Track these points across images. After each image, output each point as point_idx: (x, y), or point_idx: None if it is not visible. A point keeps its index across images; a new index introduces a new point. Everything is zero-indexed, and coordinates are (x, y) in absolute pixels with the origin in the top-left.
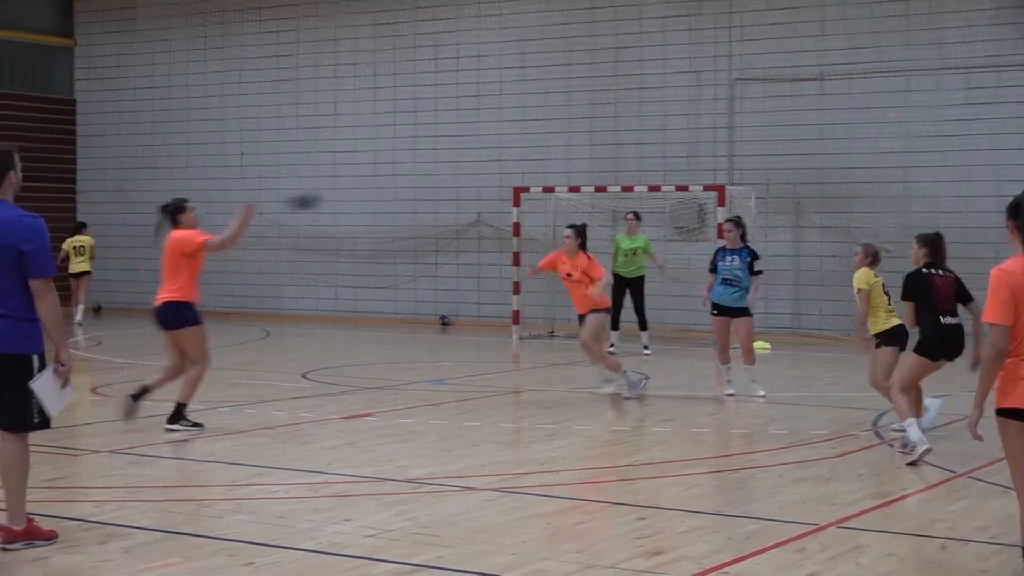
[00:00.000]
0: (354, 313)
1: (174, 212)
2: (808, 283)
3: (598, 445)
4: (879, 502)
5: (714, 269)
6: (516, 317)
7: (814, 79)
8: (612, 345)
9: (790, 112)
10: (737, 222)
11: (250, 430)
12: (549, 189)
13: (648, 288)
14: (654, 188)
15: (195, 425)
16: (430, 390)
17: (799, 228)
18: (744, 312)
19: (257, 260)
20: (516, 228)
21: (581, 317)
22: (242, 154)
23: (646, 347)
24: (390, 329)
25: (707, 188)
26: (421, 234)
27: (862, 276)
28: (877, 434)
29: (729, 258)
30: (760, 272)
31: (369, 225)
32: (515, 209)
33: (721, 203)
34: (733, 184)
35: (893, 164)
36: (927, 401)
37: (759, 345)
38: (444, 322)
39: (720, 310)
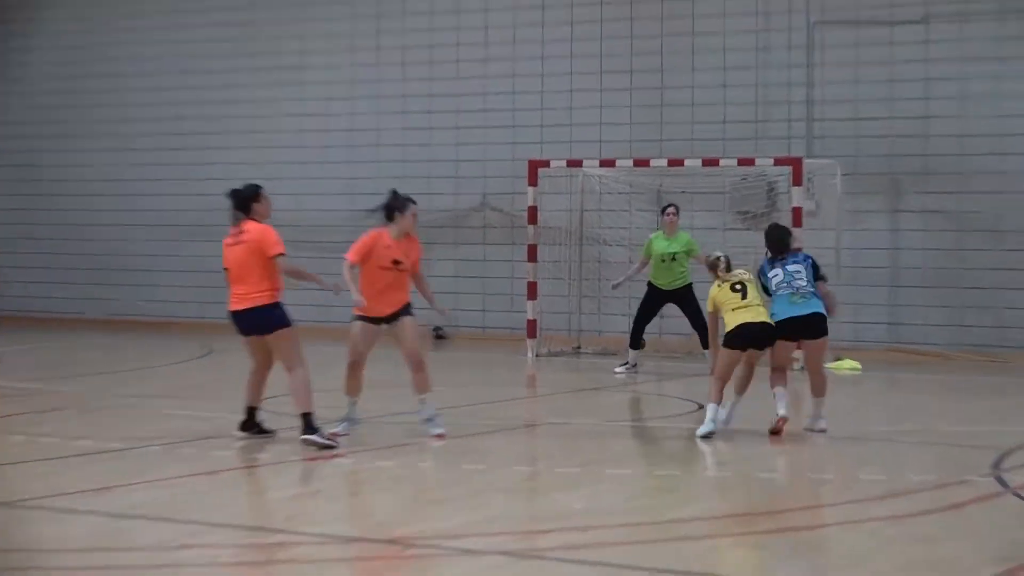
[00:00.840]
0: (326, 323)
1: (247, 199)
2: (908, 284)
3: (637, 495)
4: (1001, 569)
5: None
6: (532, 328)
7: (917, 22)
8: (630, 365)
9: (886, 65)
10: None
11: (187, 475)
12: (575, 163)
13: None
14: (710, 162)
15: (264, 431)
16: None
17: (897, 213)
18: None
19: (197, 255)
20: (532, 213)
21: (393, 318)
22: (179, 118)
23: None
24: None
25: (779, 162)
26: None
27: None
28: (1000, 480)
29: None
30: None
31: (344, 211)
32: (531, 189)
33: (797, 181)
34: (812, 156)
35: (1019, 130)
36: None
37: (848, 364)
38: (439, 335)
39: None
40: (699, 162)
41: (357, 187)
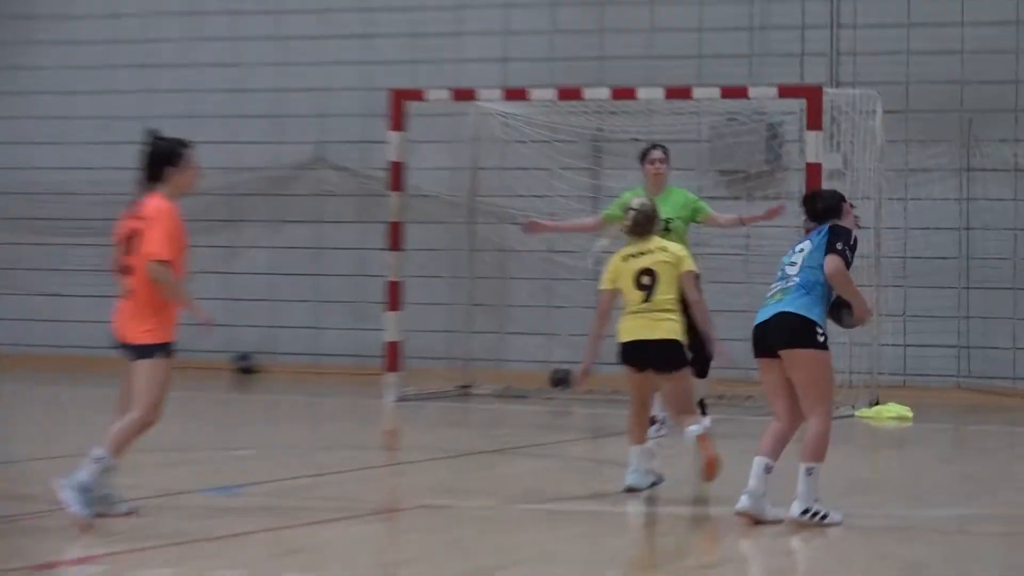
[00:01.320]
0: (49, 347)
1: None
2: (989, 283)
3: None
4: None
5: None
6: (393, 357)
7: None
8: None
9: None
10: None
11: None
12: (465, 95)
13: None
14: (678, 93)
15: None
16: (214, 507)
17: (972, 173)
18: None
19: None
20: (396, 174)
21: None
22: None
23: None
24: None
25: (785, 92)
26: (203, 188)
27: None
28: None
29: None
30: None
31: (88, 169)
32: (395, 136)
33: (814, 122)
34: (839, 85)
35: None
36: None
37: (894, 411)
38: (244, 367)
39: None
40: (661, 93)
41: (110, 132)
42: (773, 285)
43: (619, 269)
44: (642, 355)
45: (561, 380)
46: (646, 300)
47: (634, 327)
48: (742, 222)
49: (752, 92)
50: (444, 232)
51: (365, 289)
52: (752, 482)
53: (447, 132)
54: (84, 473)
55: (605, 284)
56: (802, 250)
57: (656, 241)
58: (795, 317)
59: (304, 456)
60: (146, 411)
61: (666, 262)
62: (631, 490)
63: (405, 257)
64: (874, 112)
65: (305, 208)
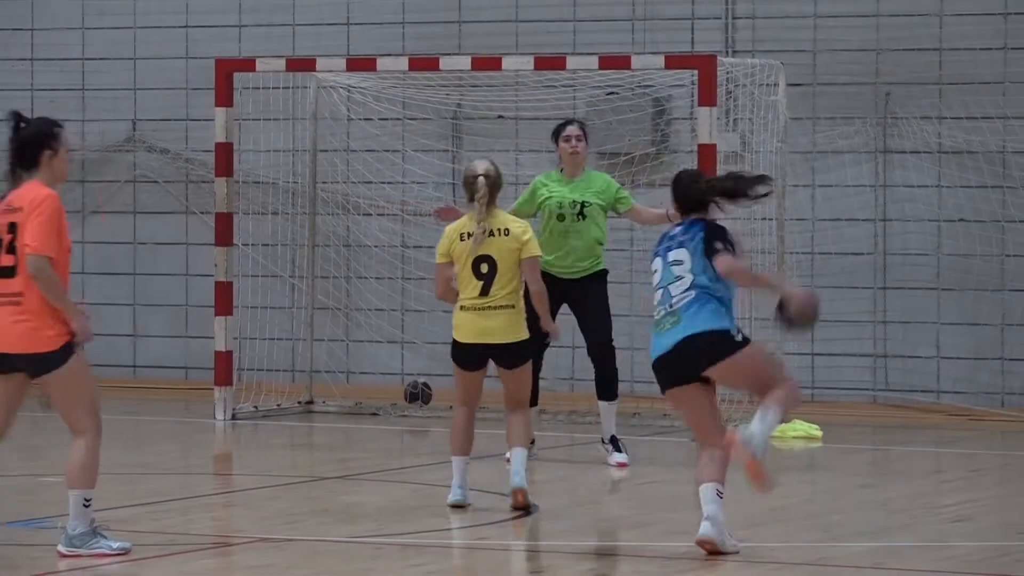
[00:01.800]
0: None
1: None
2: (911, 284)
3: None
4: None
5: None
6: (224, 368)
7: None
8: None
9: None
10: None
11: None
12: (302, 65)
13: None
14: (549, 63)
15: None
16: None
17: (891, 156)
18: None
19: None
20: (223, 156)
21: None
22: None
23: (614, 442)
24: None
25: (672, 63)
26: None
27: None
28: None
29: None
30: None
31: None
32: (222, 113)
33: (706, 98)
34: (734, 53)
35: None
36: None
37: (801, 429)
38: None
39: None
40: (529, 62)
41: None
42: (658, 308)
43: (456, 248)
44: (478, 357)
45: (417, 394)
46: (483, 294)
47: (471, 327)
48: (669, 218)
49: (635, 62)
50: (281, 224)
51: (191, 291)
52: (710, 507)
53: (283, 109)
54: (77, 523)
55: (440, 258)
56: (680, 262)
57: (501, 218)
58: (705, 336)
59: (124, 484)
60: (93, 423)
61: (509, 249)
62: (457, 507)
63: (237, 254)
64: (776, 85)
65: (119, 197)
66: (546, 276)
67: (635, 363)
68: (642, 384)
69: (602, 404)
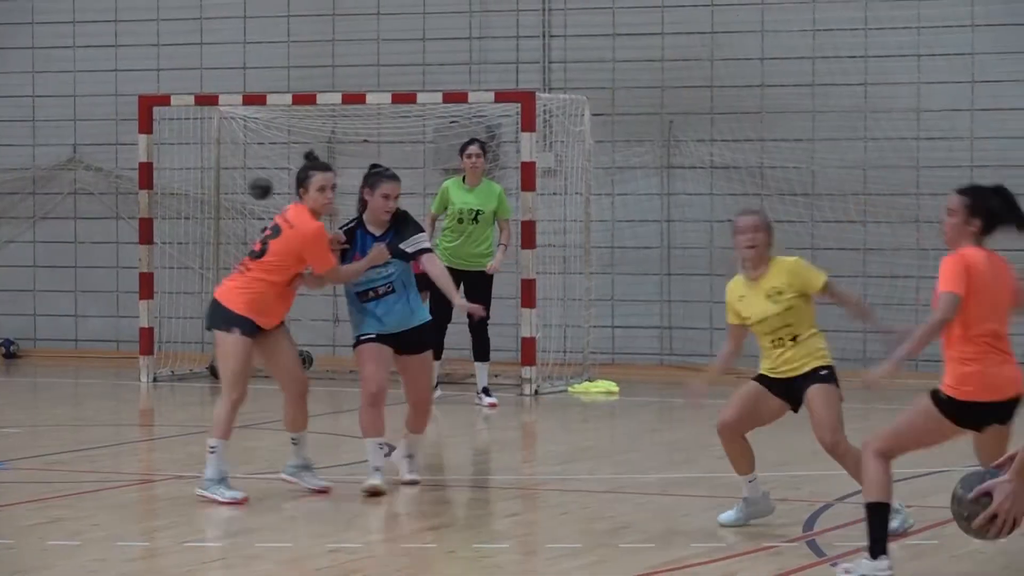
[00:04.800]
0: None
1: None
2: (688, 270)
3: None
4: None
5: None
6: (147, 341)
7: None
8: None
9: None
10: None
11: None
12: (207, 100)
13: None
14: (404, 98)
15: None
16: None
17: (672, 171)
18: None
19: None
20: (146, 173)
21: None
22: None
23: (486, 391)
24: None
25: (501, 97)
26: None
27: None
28: (812, 546)
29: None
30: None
31: None
32: (143, 138)
33: (528, 124)
34: (550, 90)
35: (844, 51)
36: None
37: (602, 387)
38: (8, 352)
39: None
40: (387, 98)
41: None
42: None
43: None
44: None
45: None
46: None
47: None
48: (504, 245)
49: (471, 97)
50: (192, 227)
51: (122, 280)
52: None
53: (192, 135)
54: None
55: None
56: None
57: None
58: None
59: (66, 433)
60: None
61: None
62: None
63: (156, 250)
64: (582, 115)
65: (64, 206)
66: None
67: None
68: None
69: (480, 367)
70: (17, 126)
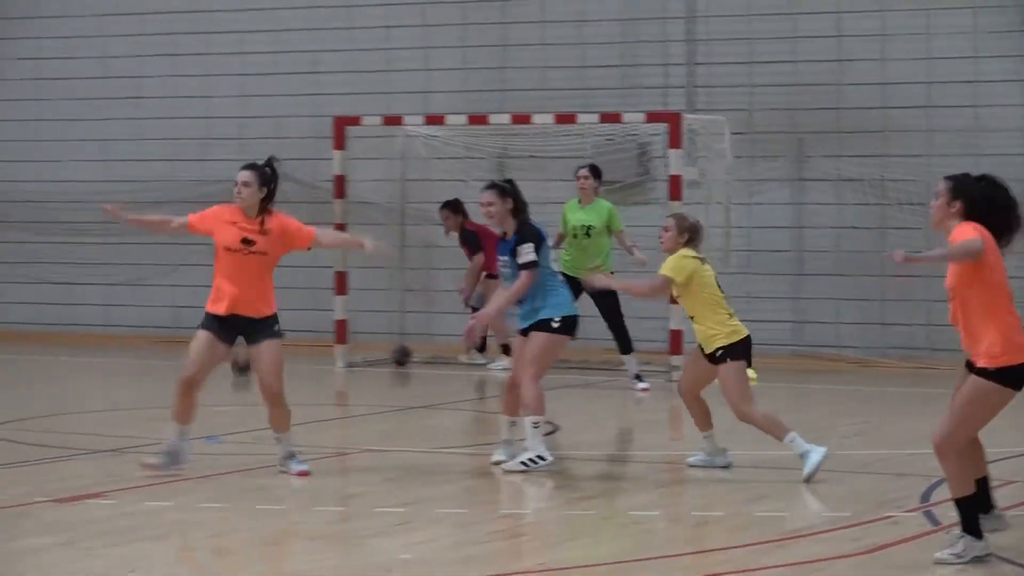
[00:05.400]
0: (71, 327)
1: None
2: (817, 271)
3: (476, 540)
4: None
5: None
6: (341, 332)
7: None
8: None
9: None
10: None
11: None
12: (394, 121)
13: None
14: (565, 119)
15: None
16: (200, 453)
17: (803, 183)
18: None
19: None
20: (340, 184)
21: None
22: None
23: (638, 377)
24: (130, 352)
25: (652, 118)
26: (183, 195)
27: (678, 263)
28: (929, 516)
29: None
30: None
31: (95, 181)
32: (338, 154)
33: (675, 142)
34: (695, 111)
35: (956, 76)
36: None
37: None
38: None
39: None
40: (551, 118)
41: (112, 151)
42: None
43: None
44: None
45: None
46: None
47: None
48: (633, 244)
49: (625, 118)
50: (380, 231)
51: (320, 278)
52: None
53: (380, 151)
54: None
55: None
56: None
57: None
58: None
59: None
60: None
61: None
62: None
63: (349, 252)
64: (723, 134)
65: None
66: (565, 278)
67: None
68: None
69: (627, 359)
70: (228, 143)
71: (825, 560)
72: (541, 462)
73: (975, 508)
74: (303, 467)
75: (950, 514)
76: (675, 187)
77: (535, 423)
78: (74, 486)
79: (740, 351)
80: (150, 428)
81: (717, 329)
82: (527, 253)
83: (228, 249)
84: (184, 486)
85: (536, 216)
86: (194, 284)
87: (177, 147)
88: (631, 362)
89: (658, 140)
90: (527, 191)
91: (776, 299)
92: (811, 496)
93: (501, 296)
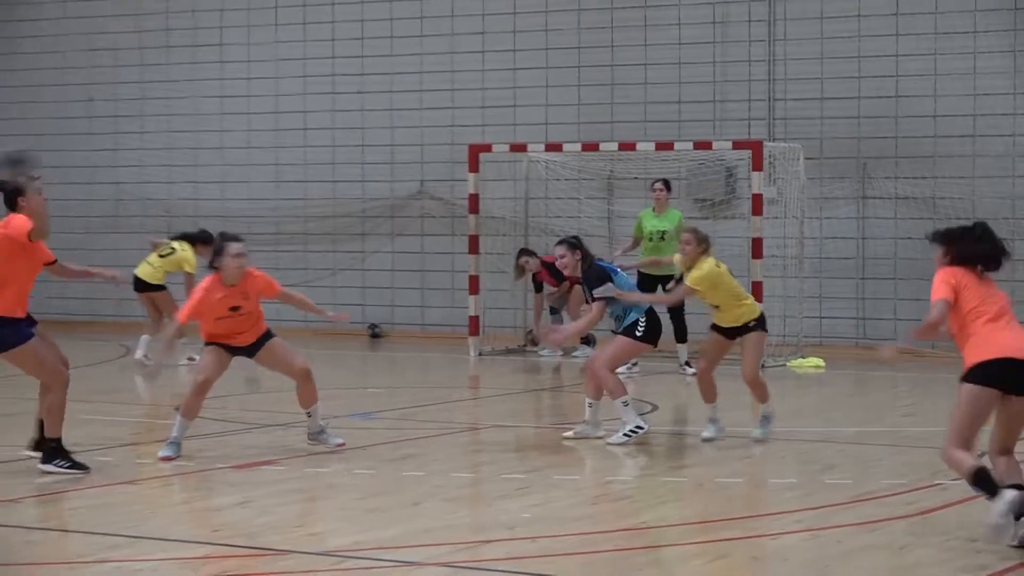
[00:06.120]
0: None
1: (11, 193)
2: (878, 275)
3: (587, 502)
4: None
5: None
6: (475, 325)
7: None
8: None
9: (853, 39)
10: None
11: (103, 485)
12: (519, 148)
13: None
14: (664, 146)
15: (76, 467)
16: (355, 428)
17: (865, 200)
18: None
19: (111, 248)
20: (474, 202)
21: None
22: (91, 100)
23: (688, 363)
24: (299, 343)
25: (737, 145)
26: (342, 211)
27: (701, 276)
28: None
29: None
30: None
31: (269, 199)
32: (472, 176)
33: (757, 166)
34: (774, 139)
35: (997, 110)
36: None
37: (812, 362)
38: (374, 333)
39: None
40: (652, 146)
41: (285, 175)
42: None
43: None
44: None
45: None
46: None
47: None
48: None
49: (715, 145)
50: (507, 242)
51: (456, 280)
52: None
53: (507, 173)
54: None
55: None
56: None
57: None
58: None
59: (415, 393)
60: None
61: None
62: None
63: (481, 259)
64: (798, 159)
65: (413, 226)
66: (643, 276)
67: None
68: None
69: (680, 347)
70: (381, 167)
71: (884, 520)
72: (640, 431)
73: (990, 480)
74: (339, 440)
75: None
76: (757, 204)
77: (624, 402)
78: (249, 455)
79: (764, 324)
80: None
81: (743, 310)
82: (603, 291)
83: (219, 319)
84: (341, 455)
85: (629, 228)
86: (349, 286)
87: (337, 170)
88: (683, 351)
89: (743, 164)
90: (631, 207)
91: (843, 299)
92: (873, 466)
93: (581, 322)
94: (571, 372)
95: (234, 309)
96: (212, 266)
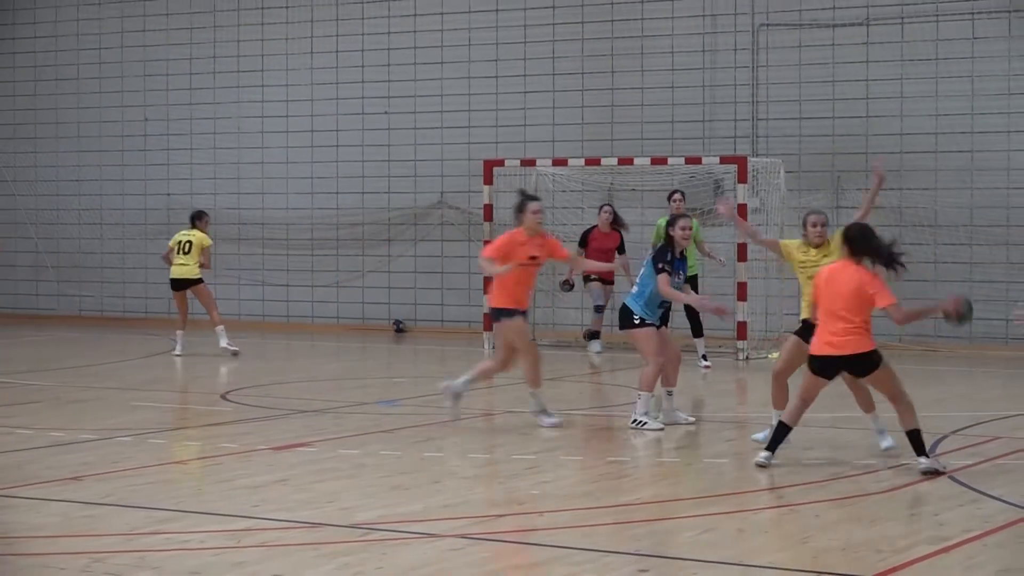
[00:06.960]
0: (286, 318)
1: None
2: None
3: (590, 480)
4: (935, 548)
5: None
6: (488, 321)
7: (858, 24)
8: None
9: (828, 65)
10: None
11: (156, 464)
12: (529, 163)
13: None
14: (659, 161)
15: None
16: (381, 413)
17: (839, 209)
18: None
19: (161, 252)
20: (488, 211)
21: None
22: (146, 120)
23: (704, 357)
24: (331, 338)
25: (724, 160)
26: (370, 219)
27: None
28: (936, 462)
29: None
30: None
31: (305, 209)
32: (487, 188)
33: (742, 178)
34: (757, 155)
35: (956, 128)
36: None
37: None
38: (399, 328)
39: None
40: (648, 161)
41: (319, 187)
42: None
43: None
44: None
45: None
46: None
47: None
48: (708, 254)
49: (704, 160)
50: None
51: (473, 282)
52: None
53: (518, 185)
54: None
55: None
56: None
57: None
58: (624, 307)
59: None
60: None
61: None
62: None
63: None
64: (779, 172)
65: (434, 232)
66: None
67: None
68: None
69: (698, 341)
70: (405, 180)
71: (856, 496)
72: (642, 426)
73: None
74: (553, 420)
75: (953, 462)
76: (741, 213)
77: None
78: (286, 437)
79: None
80: (343, 395)
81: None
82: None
83: (521, 265)
84: (368, 438)
85: (633, 235)
86: (377, 286)
87: (366, 183)
88: (700, 344)
89: (729, 177)
90: (629, 216)
91: None
92: (846, 449)
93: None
94: (574, 363)
95: (532, 258)
96: (517, 220)
